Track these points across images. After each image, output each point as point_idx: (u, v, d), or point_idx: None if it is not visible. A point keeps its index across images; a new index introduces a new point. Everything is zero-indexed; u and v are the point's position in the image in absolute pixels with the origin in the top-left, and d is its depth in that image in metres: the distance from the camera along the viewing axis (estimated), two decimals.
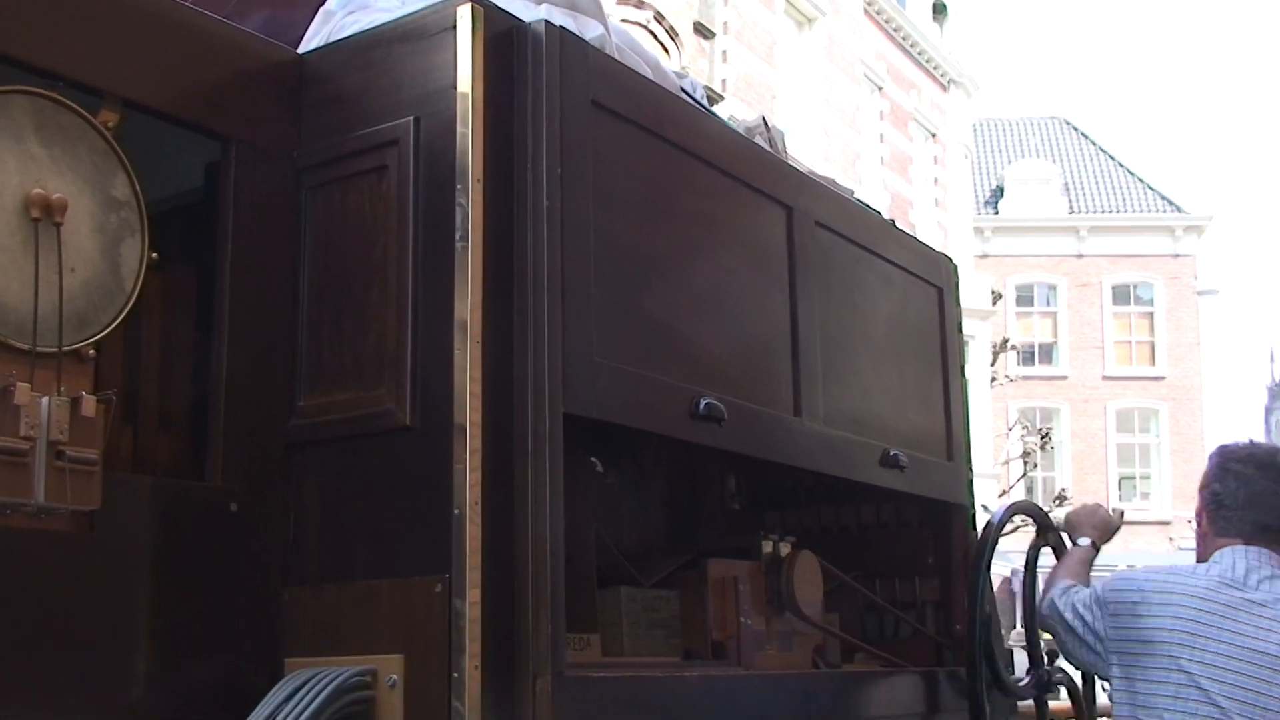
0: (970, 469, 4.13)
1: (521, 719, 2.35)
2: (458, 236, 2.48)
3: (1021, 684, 3.91)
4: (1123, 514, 3.92)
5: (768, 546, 3.32)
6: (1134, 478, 33.83)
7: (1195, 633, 2.97)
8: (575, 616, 2.80)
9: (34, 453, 2.22)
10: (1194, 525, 3.34)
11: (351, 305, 2.61)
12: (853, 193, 3.83)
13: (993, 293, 26.83)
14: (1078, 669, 3.51)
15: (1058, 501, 23.03)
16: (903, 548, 4.03)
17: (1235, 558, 3.08)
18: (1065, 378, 34.29)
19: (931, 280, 4.00)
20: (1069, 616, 3.26)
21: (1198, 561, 3.24)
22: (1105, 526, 3.73)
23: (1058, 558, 3.94)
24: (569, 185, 2.58)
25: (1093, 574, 3.56)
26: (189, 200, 2.81)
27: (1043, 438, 26.43)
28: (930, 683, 3.63)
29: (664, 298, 2.83)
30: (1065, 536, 3.78)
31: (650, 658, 2.98)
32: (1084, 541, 3.66)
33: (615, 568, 3.10)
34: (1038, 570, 3.92)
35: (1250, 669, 2.93)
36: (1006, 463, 25.99)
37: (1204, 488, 3.24)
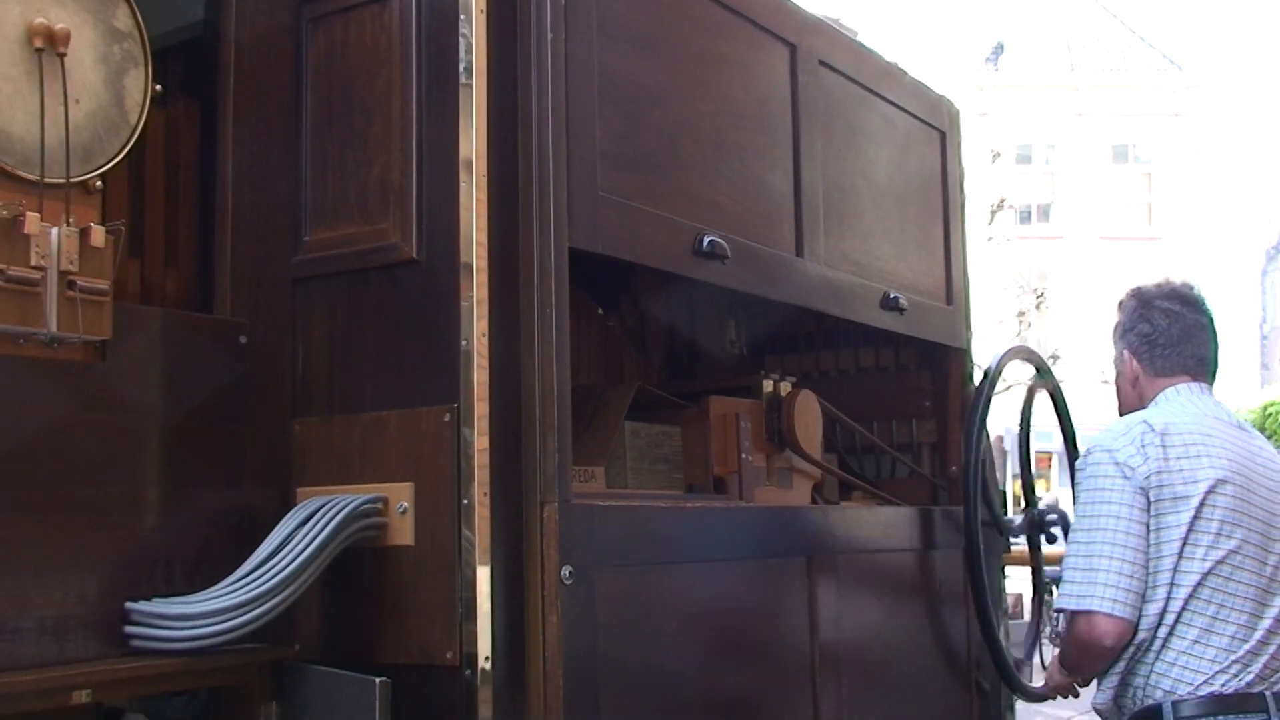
0: (969, 325, 4.15)
1: (529, 544, 2.40)
2: (461, 69, 2.47)
3: (1015, 524, 3.98)
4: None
5: (768, 385, 3.36)
6: None
7: (1225, 468, 2.94)
8: (592, 451, 2.87)
9: (45, 283, 2.24)
10: (1115, 375, 3.27)
11: (355, 139, 2.61)
12: (855, 34, 3.79)
13: (992, 152, 26.60)
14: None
15: (1052, 360, 23.11)
16: (901, 391, 4.09)
17: (1201, 395, 3.09)
18: (1061, 237, 34.20)
19: (934, 123, 3.98)
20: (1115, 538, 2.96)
21: (1127, 406, 3.21)
22: None
23: (1054, 402, 3.97)
24: (572, 18, 2.56)
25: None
26: (191, 34, 2.80)
27: (1038, 297, 26.44)
28: (925, 520, 3.70)
29: (667, 134, 2.82)
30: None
31: (653, 490, 3.04)
32: None
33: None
34: (1033, 411, 3.97)
35: (1262, 501, 2.96)
36: (1001, 322, 26.02)
37: (1129, 331, 3.20)
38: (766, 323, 4.18)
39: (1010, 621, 4.59)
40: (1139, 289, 3.25)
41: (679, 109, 2.87)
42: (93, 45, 2.38)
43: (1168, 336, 3.13)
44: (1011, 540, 4.02)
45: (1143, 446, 2.96)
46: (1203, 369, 3.14)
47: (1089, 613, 2.94)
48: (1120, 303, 3.27)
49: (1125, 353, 3.21)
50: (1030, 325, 27.92)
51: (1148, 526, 2.95)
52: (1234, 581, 2.92)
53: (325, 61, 2.68)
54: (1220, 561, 2.91)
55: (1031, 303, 26.11)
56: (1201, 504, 2.91)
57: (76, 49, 2.33)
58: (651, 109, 2.79)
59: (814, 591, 3.10)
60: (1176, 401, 3.10)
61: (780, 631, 3.02)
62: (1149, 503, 2.95)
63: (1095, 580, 2.94)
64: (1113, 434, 3.03)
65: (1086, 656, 3.03)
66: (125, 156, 2.43)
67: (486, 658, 2.36)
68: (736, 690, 2.85)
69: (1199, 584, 2.91)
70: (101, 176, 2.37)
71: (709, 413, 3.16)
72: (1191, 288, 3.21)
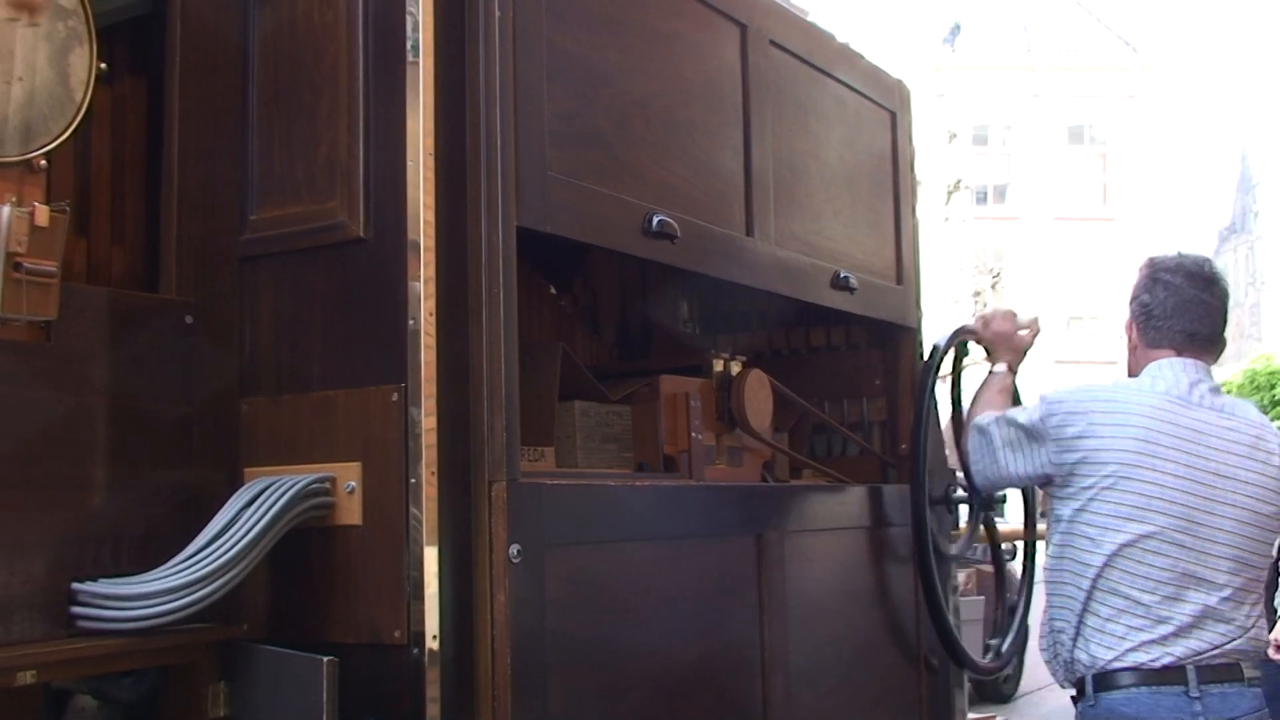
0: (919, 305, 4.16)
1: (477, 523, 2.40)
2: (409, 46, 2.46)
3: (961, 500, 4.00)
4: (1038, 327, 3.73)
5: (719, 364, 3.37)
6: (1083, 318, 34.20)
7: (1145, 452, 2.99)
8: (534, 430, 2.87)
9: None
10: (1124, 339, 3.33)
11: (302, 116, 2.60)
12: (806, 14, 3.80)
13: (948, 133, 26.73)
14: (1009, 486, 3.42)
15: None
16: (852, 370, 4.10)
17: (1174, 371, 3.10)
18: (1018, 218, 34.39)
19: (885, 104, 3.99)
20: (1004, 432, 3.21)
21: (1129, 374, 3.26)
22: (1020, 348, 3.67)
23: (988, 351, 3.95)
24: None
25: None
26: (137, 12, 2.77)
27: (994, 277, 26.64)
28: (875, 498, 3.72)
29: (617, 113, 2.82)
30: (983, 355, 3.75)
31: (603, 469, 3.05)
32: (1000, 368, 3.61)
33: (578, 384, 3.14)
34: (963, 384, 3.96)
35: (1194, 487, 2.99)
36: (957, 303, 26.18)
37: (1133, 299, 3.25)
38: (719, 301, 4.20)
39: (962, 598, 4.62)
40: (1152, 259, 3.30)
41: (629, 88, 2.87)
42: None
43: (1163, 309, 3.17)
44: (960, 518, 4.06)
45: (1085, 432, 3.05)
46: (1191, 344, 3.15)
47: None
48: (1140, 266, 3.32)
49: (1128, 319, 3.27)
50: (986, 305, 28.12)
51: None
52: (1146, 565, 2.97)
53: (272, 39, 2.66)
54: (1127, 545, 2.98)
55: (988, 282, 26.31)
56: (1106, 487, 3.01)
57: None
58: (601, 88, 2.79)
59: (763, 569, 3.12)
60: (1149, 378, 3.13)
61: (729, 609, 3.04)
62: (1047, 458, 3.11)
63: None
64: (1067, 398, 3.14)
65: None
66: (71, 135, 2.41)
67: (434, 636, 2.36)
68: (685, 668, 2.86)
69: (1105, 565, 3.00)
70: (47, 155, 2.36)
71: (659, 392, 3.17)
72: (1203, 264, 3.22)
